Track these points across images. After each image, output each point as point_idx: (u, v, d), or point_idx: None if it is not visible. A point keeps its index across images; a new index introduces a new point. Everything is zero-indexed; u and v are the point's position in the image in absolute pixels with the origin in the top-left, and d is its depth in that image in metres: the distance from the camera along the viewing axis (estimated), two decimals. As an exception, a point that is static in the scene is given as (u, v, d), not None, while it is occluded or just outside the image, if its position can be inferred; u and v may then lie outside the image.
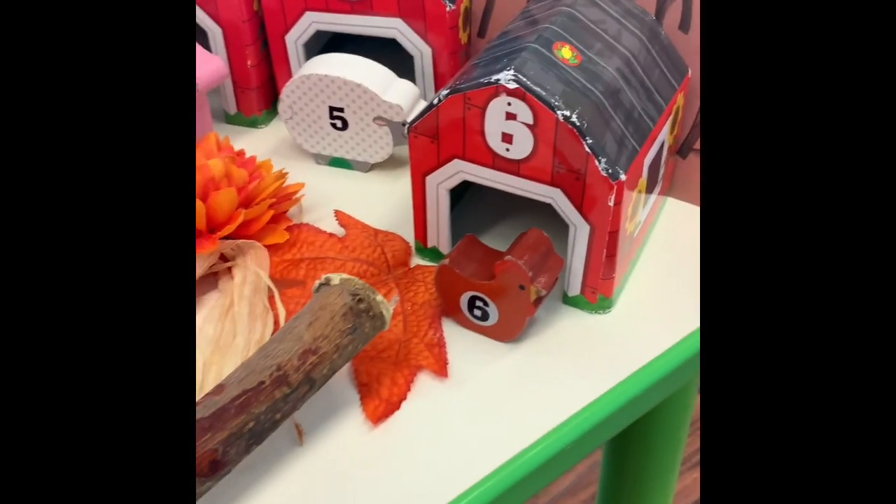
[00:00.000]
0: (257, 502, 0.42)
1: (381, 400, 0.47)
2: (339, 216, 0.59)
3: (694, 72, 0.56)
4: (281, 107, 0.63)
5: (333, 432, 0.46)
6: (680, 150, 0.59)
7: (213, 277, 0.55)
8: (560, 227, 0.51)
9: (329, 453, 0.45)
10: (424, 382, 0.49)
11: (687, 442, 0.88)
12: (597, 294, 0.52)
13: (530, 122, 0.46)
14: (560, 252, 0.51)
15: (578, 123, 0.45)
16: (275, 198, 0.56)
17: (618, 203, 0.47)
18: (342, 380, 0.49)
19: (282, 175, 0.58)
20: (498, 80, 0.46)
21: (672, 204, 0.61)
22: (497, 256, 0.49)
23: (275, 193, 0.57)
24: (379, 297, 0.44)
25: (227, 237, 0.54)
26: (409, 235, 0.57)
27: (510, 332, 0.50)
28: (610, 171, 0.46)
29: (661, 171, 0.56)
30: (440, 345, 0.50)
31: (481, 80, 0.46)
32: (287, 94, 0.62)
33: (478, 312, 0.50)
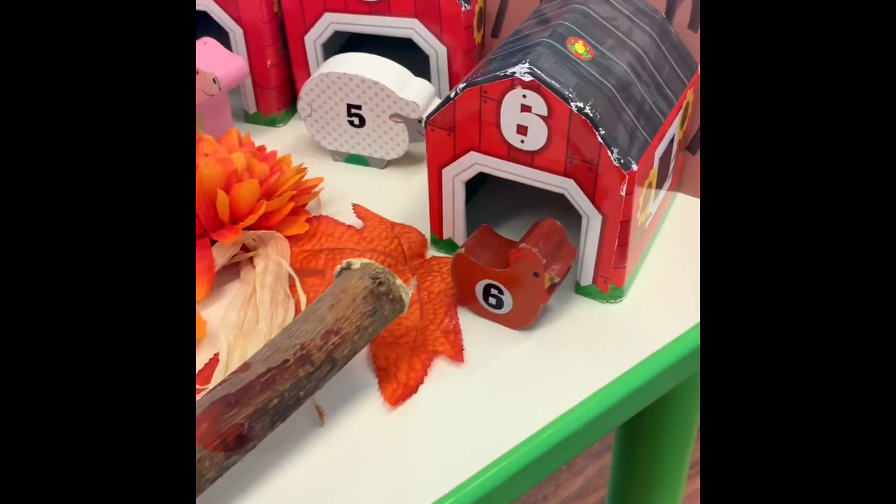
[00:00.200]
0: (281, 478, 0.44)
1: (398, 384, 0.49)
2: (357, 209, 0.60)
3: (703, 69, 0.58)
4: (300, 104, 0.64)
5: (353, 414, 0.47)
6: (689, 146, 0.60)
7: (234, 267, 0.56)
8: (572, 220, 0.52)
9: (349, 433, 0.46)
10: (441, 368, 0.50)
11: (693, 448, 0.89)
12: (608, 283, 0.53)
13: (545, 113, 0.48)
14: (573, 244, 0.52)
15: (591, 115, 0.47)
16: (295, 190, 0.58)
17: (629, 193, 0.48)
18: (361, 364, 0.50)
19: (301, 169, 0.60)
20: (514, 73, 0.47)
21: (681, 199, 0.62)
22: (511, 246, 0.51)
23: (295, 186, 0.58)
24: (398, 281, 0.46)
25: (249, 228, 0.56)
26: (425, 230, 0.59)
27: (524, 319, 0.52)
28: (622, 161, 0.47)
29: (672, 165, 0.57)
30: (456, 331, 0.52)
31: (497, 74, 0.48)
32: (306, 91, 0.64)
33: (493, 300, 0.52)
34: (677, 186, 0.62)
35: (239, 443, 0.40)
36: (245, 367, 0.42)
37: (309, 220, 0.58)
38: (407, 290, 0.46)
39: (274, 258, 0.54)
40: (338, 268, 0.47)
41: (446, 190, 0.55)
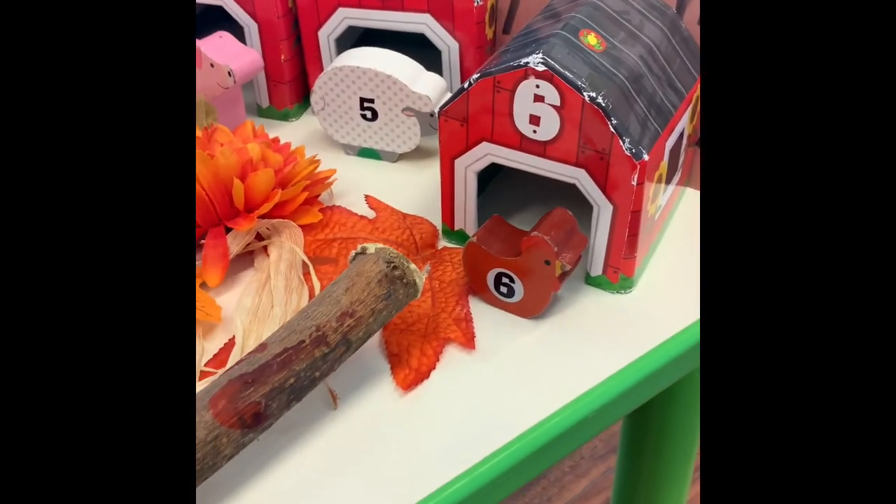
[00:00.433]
0: (296, 458, 0.45)
1: (410, 369, 0.49)
2: (370, 200, 0.61)
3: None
4: (313, 98, 0.65)
5: (366, 398, 0.48)
6: (699, 141, 0.61)
7: (249, 256, 0.57)
8: (583, 214, 0.53)
9: (362, 417, 0.47)
10: (453, 355, 0.51)
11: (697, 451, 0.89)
12: (618, 274, 0.54)
13: (557, 103, 0.48)
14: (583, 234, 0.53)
15: (604, 104, 0.47)
16: (309, 180, 0.59)
17: (640, 182, 0.49)
18: (374, 351, 0.51)
19: (315, 161, 0.60)
20: (527, 62, 0.48)
21: (690, 194, 0.63)
22: (522, 236, 0.51)
23: (309, 177, 0.59)
24: (412, 266, 0.46)
25: (263, 216, 0.56)
26: (436, 223, 0.60)
27: (535, 308, 0.52)
28: (633, 150, 0.48)
29: (681, 158, 0.58)
30: (467, 319, 0.52)
31: (511, 64, 0.49)
32: (319, 85, 0.64)
33: (504, 289, 0.52)
34: (686, 181, 0.63)
35: (256, 420, 0.41)
36: (262, 347, 0.43)
37: (322, 210, 0.59)
38: (420, 274, 0.47)
39: (288, 246, 0.55)
40: (353, 253, 0.48)
41: (458, 180, 0.55)
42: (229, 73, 0.64)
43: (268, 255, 0.56)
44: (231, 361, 0.48)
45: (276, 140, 0.62)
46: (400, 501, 0.43)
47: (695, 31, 0.58)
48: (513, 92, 0.49)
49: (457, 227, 0.58)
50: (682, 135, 0.55)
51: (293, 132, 0.71)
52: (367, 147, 0.67)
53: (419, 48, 0.66)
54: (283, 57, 0.69)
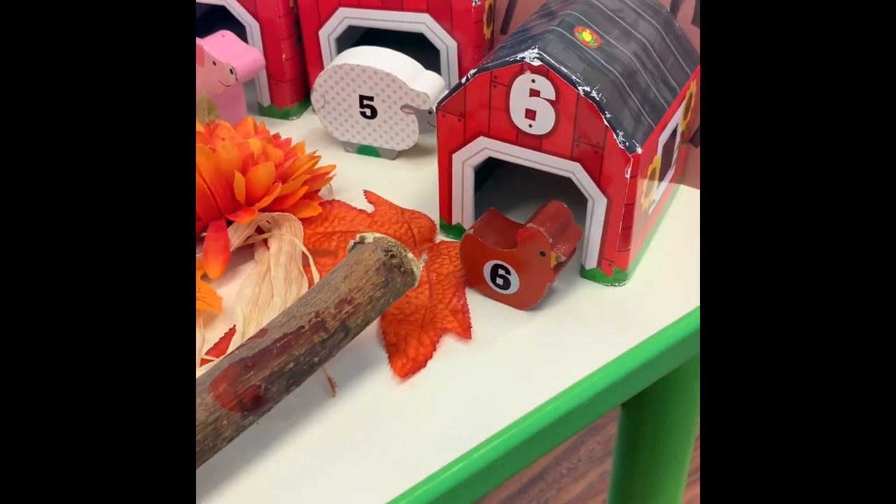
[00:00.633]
0: (295, 443, 0.45)
1: (408, 358, 0.50)
2: (369, 195, 0.62)
3: (706, 63, 0.59)
4: (314, 95, 0.66)
5: (364, 385, 0.49)
6: (692, 139, 0.62)
7: (249, 249, 0.58)
8: (578, 208, 0.54)
9: (359, 404, 0.48)
10: (449, 345, 0.52)
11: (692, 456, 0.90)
12: (613, 266, 0.54)
13: (552, 97, 0.49)
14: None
15: (598, 99, 0.48)
16: (309, 175, 0.60)
17: (634, 175, 0.50)
18: (371, 340, 0.52)
19: (315, 156, 0.61)
20: (523, 57, 0.49)
21: (684, 191, 0.64)
22: (518, 228, 0.52)
23: (309, 172, 0.60)
24: (410, 255, 0.47)
25: (263, 210, 0.57)
26: (434, 218, 0.60)
27: (530, 299, 0.53)
28: (627, 143, 0.49)
29: (675, 155, 0.59)
30: (464, 310, 0.53)
31: (507, 59, 0.50)
32: (320, 83, 0.66)
33: (500, 281, 0.53)
34: (680, 178, 0.64)
35: (255, 404, 0.42)
36: (262, 332, 0.44)
37: (322, 204, 0.60)
38: (418, 263, 0.48)
39: (288, 238, 0.56)
40: (352, 242, 0.49)
41: (456, 175, 0.56)
42: (231, 70, 0.65)
43: (268, 248, 0.57)
44: (231, 349, 0.49)
45: (276, 136, 0.63)
46: (396, 486, 0.44)
47: (688, 30, 0.59)
48: (509, 87, 0.50)
49: (454, 222, 0.59)
50: (675, 131, 0.57)
51: (294, 130, 0.72)
52: (366, 144, 0.68)
53: (419, 48, 0.67)
54: (284, 56, 0.70)
